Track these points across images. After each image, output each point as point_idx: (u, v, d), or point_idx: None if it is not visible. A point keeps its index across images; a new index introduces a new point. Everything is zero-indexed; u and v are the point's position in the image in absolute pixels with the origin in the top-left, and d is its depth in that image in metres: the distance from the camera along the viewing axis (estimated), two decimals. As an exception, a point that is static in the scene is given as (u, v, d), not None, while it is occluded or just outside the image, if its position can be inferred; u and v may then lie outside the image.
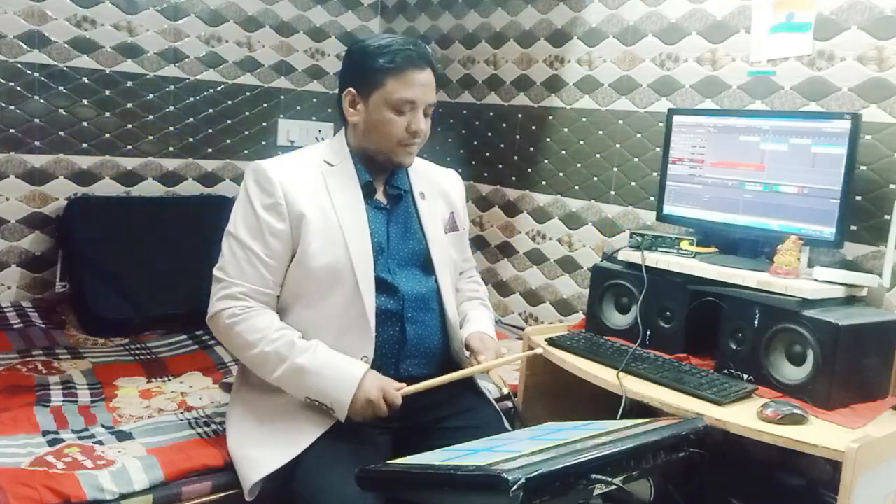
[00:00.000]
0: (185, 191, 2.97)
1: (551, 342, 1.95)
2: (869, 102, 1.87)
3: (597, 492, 1.15)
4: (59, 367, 2.10)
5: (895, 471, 1.49)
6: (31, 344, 2.27)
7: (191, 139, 2.97)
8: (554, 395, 2.04)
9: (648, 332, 1.91)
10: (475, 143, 3.03)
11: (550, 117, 2.71)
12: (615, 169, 2.50)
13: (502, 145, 2.91)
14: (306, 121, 3.25)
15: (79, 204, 2.65)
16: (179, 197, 2.93)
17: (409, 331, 1.63)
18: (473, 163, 3.03)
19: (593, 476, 1.12)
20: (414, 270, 1.68)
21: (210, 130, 3.01)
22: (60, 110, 2.67)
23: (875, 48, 1.86)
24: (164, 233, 2.66)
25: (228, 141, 3.06)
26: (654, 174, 2.31)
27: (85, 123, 2.72)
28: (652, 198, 2.33)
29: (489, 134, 2.97)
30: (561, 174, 2.68)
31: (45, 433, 1.68)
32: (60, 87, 2.66)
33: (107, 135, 2.77)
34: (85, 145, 2.73)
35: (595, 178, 2.56)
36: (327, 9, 3.26)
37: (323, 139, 3.18)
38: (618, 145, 2.48)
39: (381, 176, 1.69)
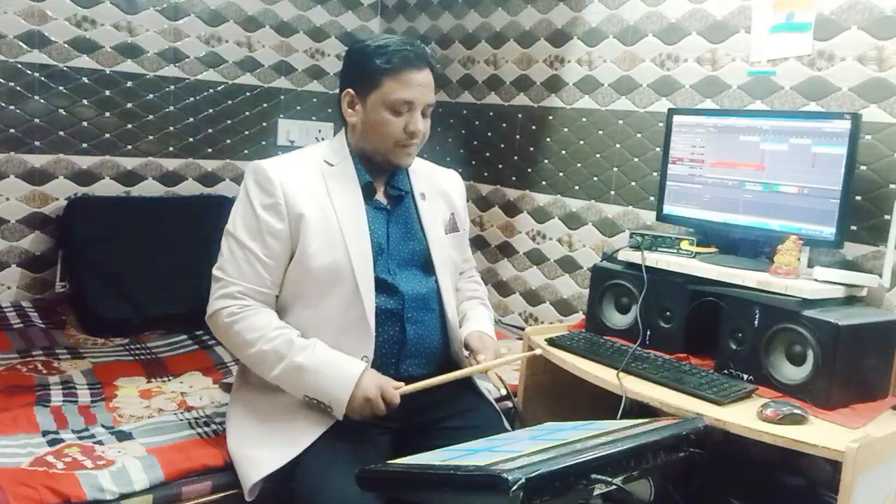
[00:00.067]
0: (185, 191, 2.97)
1: (551, 342, 1.95)
2: (869, 102, 1.87)
3: (597, 492, 1.15)
4: (59, 367, 2.10)
5: (895, 471, 1.49)
6: (31, 344, 2.27)
7: (191, 139, 2.97)
8: (554, 395, 2.04)
9: (648, 332, 1.91)
10: (475, 143, 3.03)
11: (550, 117, 2.71)
12: (615, 169, 2.50)
13: (502, 145, 2.91)
14: (306, 121, 3.25)
15: (79, 204, 2.65)
16: (179, 197, 2.93)
17: (409, 331, 1.63)
18: (473, 163, 3.03)
19: (593, 476, 1.12)
20: (414, 271, 1.68)
21: (210, 130, 3.01)
22: (60, 110, 2.67)
23: (875, 48, 1.86)
24: (164, 233, 2.66)
25: (228, 141, 3.06)
26: (654, 174, 2.31)
27: (85, 123, 2.72)
28: (652, 198, 2.33)
29: (489, 134, 2.97)
30: (561, 174, 2.68)
31: (45, 433, 1.68)
32: (60, 87, 2.66)
33: (107, 135, 2.77)
34: (85, 145, 2.73)
35: (595, 178, 2.56)
36: (327, 9, 3.26)
37: (323, 139, 3.19)
38: (618, 145, 2.48)
39: (382, 176, 1.69)
